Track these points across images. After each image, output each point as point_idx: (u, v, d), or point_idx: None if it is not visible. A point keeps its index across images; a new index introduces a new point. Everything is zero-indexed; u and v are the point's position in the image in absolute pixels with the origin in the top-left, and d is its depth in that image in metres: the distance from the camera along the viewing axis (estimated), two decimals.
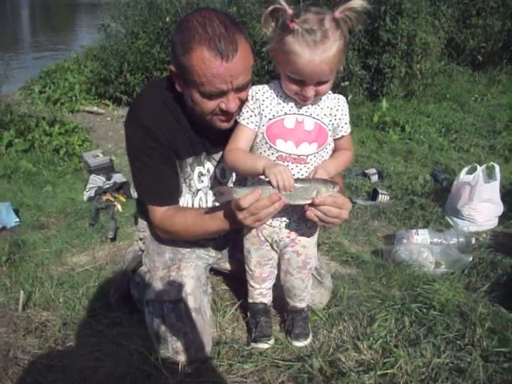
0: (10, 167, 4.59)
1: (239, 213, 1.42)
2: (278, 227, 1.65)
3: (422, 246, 2.56)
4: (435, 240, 2.65)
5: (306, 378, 1.66)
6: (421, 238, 2.67)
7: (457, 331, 1.84)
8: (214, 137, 1.70)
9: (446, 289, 2.11)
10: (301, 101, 1.47)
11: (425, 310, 1.96)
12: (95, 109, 8.12)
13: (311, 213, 1.46)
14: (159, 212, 1.71)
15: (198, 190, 1.82)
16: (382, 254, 2.63)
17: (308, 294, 1.88)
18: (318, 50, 1.33)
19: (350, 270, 2.47)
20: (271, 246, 1.71)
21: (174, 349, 1.73)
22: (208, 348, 1.77)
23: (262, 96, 1.53)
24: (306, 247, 1.71)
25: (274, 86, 1.54)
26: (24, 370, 1.77)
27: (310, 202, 1.43)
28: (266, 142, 1.52)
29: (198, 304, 1.80)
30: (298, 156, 1.50)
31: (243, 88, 1.50)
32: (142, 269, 2.02)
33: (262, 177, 1.46)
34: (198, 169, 1.78)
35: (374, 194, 3.42)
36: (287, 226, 1.65)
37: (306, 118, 1.49)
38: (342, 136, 1.58)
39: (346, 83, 5.24)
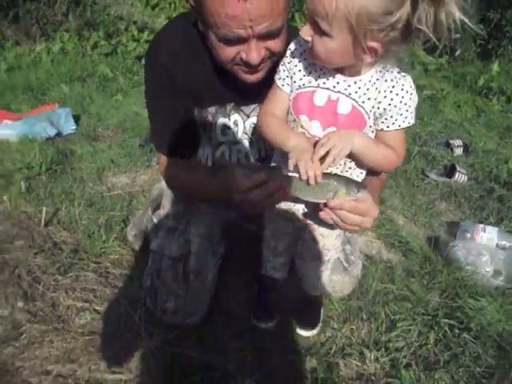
0: (88, 70, 4.58)
1: (235, 194, 1.19)
2: (292, 205, 1.39)
3: (484, 247, 2.18)
4: (503, 243, 2.24)
5: (293, 375, 1.47)
6: (486, 236, 2.27)
7: (487, 367, 1.54)
8: (246, 87, 1.41)
9: (493, 309, 1.77)
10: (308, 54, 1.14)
11: (457, 331, 1.66)
12: None
13: (326, 214, 1.19)
14: (166, 162, 1.52)
15: (221, 143, 1.58)
16: (436, 244, 2.28)
17: (323, 284, 1.64)
18: None
19: (392, 257, 2.17)
20: (289, 220, 1.45)
21: (162, 308, 1.60)
22: (199, 315, 1.63)
23: (299, 55, 1.19)
24: (325, 237, 1.44)
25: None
26: (19, 292, 1.76)
27: (323, 201, 1.16)
28: (291, 113, 1.23)
29: (200, 266, 1.64)
30: None
31: (271, 36, 1.17)
32: (161, 211, 1.87)
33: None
34: (222, 120, 1.53)
35: (450, 171, 2.98)
36: (302, 206, 1.37)
37: (342, 98, 1.14)
38: (386, 130, 1.17)
39: (457, 35, 4.52)
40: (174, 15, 7.89)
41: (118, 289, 1.79)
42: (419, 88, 4.36)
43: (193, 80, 1.41)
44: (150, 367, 1.49)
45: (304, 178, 1.09)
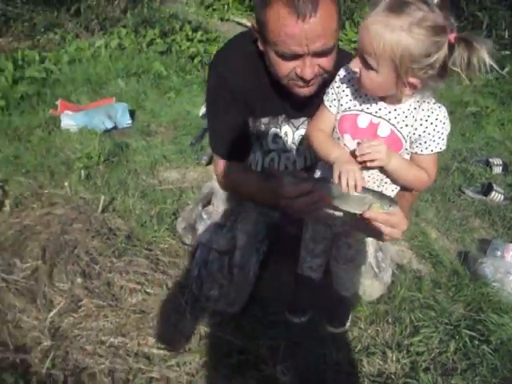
0: (143, 67, 4.81)
1: (282, 199, 1.36)
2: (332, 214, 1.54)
3: None
4: None
5: (320, 366, 1.62)
6: None
7: (503, 379, 1.64)
8: (297, 101, 1.59)
9: None
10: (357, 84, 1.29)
11: (477, 342, 1.77)
12: (244, 21, 8.06)
13: (358, 223, 1.35)
14: (221, 164, 1.71)
15: (271, 151, 1.75)
16: (466, 259, 2.37)
17: (354, 286, 1.79)
18: None
19: (422, 268, 2.28)
20: (327, 226, 1.61)
21: (205, 295, 1.78)
22: (239, 305, 1.79)
23: (347, 82, 1.35)
24: (359, 243, 1.60)
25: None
26: (78, 270, 1.97)
27: (359, 213, 1.29)
28: (336, 131, 1.38)
29: (244, 261, 1.81)
30: None
31: (324, 54, 1.34)
32: (210, 208, 2.05)
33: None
34: (273, 130, 1.70)
35: (487, 189, 3.04)
36: (342, 217, 1.52)
37: (383, 122, 1.29)
38: (419, 153, 1.30)
39: (507, 52, 4.53)
40: (227, 17, 8.14)
41: (167, 275, 1.97)
42: (464, 104, 4.40)
43: (250, 93, 1.58)
44: (192, 346, 1.67)
45: (344, 186, 1.24)
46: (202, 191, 2.29)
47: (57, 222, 2.28)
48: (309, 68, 1.35)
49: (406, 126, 1.28)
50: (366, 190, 1.28)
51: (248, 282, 1.81)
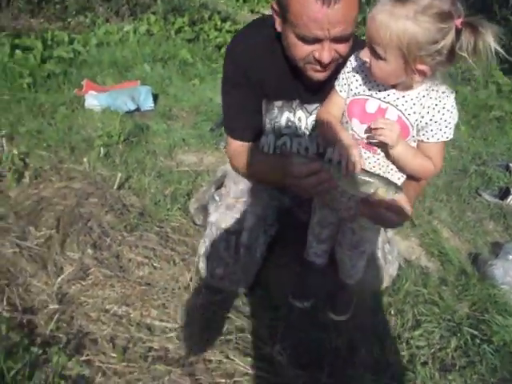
0: (170, 53, 4.87)
1: (290, 178, 1.38)
2: (339, 200, 1.55)
3: None
4: None
5: (318, 350, 1.64)
6: None
7: (502, 379, 1.63)
8: (311, 86, 1.60)
9: None
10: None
11: (478, 341, 1.75)
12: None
13: (364, 208, 1.36)
14: (233, 145, 1.73)
15: (284, 135, 1.77)
16: (476, 260, 2.35)
17: (357, 274, 1.79)
18: None
19: (430, 265, 2.26)
20: (334, 211, 1.62)
21: (211, 272, 1.81)
22: (244, 285, 1.82)
23: (358, 67, 1.36)
24: (364, 229, 1.60)
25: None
26: (90, 241, 2.02)
27: (364, 196, 1.31)
28: (345, 115, 1.40)
29: (252, 241, 1.83)
30: (370, 143, 1.35)
31: (342, 40, 1.35)
32: (222, 190, 2.08)
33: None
34: (287, 114, 1.71)
35: (504, 193, 2.99)
36: (347, 201, 1.53)
37: (391, 108, 1.29)
38: (425, 141, 1.31)
39: None
40: (257, 9, 8.16)
41: (175, 251, 2.01)
42: (488, 108, 4.33)
43: (265, 75, 1.60)
44: (193, 320, 1.70)
45: (344, 167, 1.26)
46: (216, 174, 2.33)
47: (73, 196, 2.34)
48: (327, 52, 1.36)
49: (414, 113, 1.28)
50: (372, 174, 1.29)
51: (254, 263, 1.83)
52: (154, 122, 3.38)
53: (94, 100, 3.47)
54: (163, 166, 2.79)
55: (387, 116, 1.30)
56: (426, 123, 1.27)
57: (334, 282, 1.85)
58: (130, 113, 3.48)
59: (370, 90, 1.33)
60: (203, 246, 1.86)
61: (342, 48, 1.38)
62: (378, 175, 1.30)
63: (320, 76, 1.47)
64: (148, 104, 3.63)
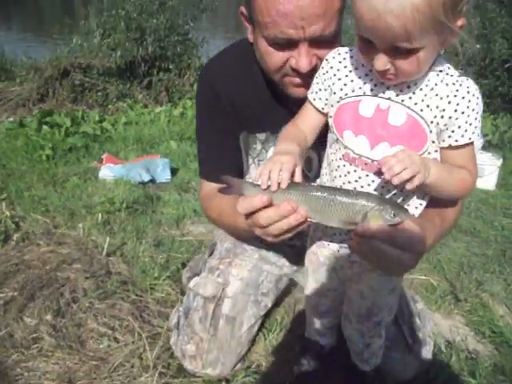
0: None
1: (245, 220, 0.99)
2: (336, 251, 1.17)
3: None
4: None
5: None
6: None
7: None
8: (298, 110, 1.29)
9: None
10: (381, 77, 0.93)
11: None
12: None
13: (355, 244, 0.94)
14: (206, 188, 1.40)
15: None
16: None
17: (374, 357, 1.35)
18: None
19: (481, 348, 1.76)
20: (332, 271, 1.22)
21: (181, 350, 1.43)
22: (222, 368, 1.42)
23: (338, 64, 1.04)
24: (375, 291, 1.19)
25: (357, 52, 1.02)
26: (54, 307, 1.72)
27: (351, 228, 0.91)
28: (332, 131, 1.05)
29: (235, 312, 1.46)
30: (372, 161, 0.98)
31: (323, 42, 1.05)
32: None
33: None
34: (273, 150, 1.40)
35: None
36: (349, 254, 1.14)
37: (394, 106, 0.96)
38: (454, 145, 0.97)
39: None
40: None
41: (148, 324, 1.66)
42: None
43: (244, 100, 1.32)
44: None
45: (264, 182, 0.91)
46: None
47: (56, 260, 2.11)
48: (305, 57, 1.06)
49: (428, 106, 0.94)
50: (344, 192, 0.92)
51: (237, 340, 1.44)
52: (167, 193, 3.16)
53: (108, 171, 3.34)
54: (166, 235, 2.52)
55: (391, 118, 0.95)
56: (450, 117, 0.94)
57: (344, 368, 1.41)
58: (144, 184, 3.30)
59: (360, 87, 1.00)
60: (175, 317, 1.50)
61: (325, 53, 1.08)
62: (365, 193, 0.92)
63: (300, 92, 1.16)
64: (165, 176, 3.46)
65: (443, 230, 1.12)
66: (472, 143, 0.97)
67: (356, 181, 1.01)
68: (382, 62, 0.87)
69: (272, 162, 0.92)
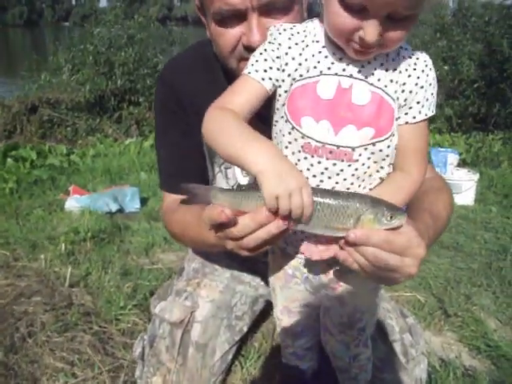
0: None
1: (214, 232, 0.83)
2: (306, 261, 1.01)
3: None
4: None
5: None
6: None
7: None
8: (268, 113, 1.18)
9: None
10: (354, 52, 0.82)
11: None
12: None
13: (345, 255, 0.81)
14: (167, 200, 1.26)
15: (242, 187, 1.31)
16: None
17: (364, 371, 1.20)
18: None
19: (476, 364, 1.64)
20: (305, 283, 1.06)
21: (147, 383, 1.25)
22: None
23: (289, 40, 0.88)
24: (356, 294, 1.03)
25: (312, 26, 0.90)
26: (7, 343, 1.54)
27: (341, 234, 0.79)
28: (287, 120, 0.88)
29: (207, 339, 1.30)
30: (338, 147, 0.85)
31: (276, 11, 0.95)
32: None
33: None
34: None
35: None
36: (322, 264, 0.99)
37: (357, 84, 0.85)
38: (411, 122, 0.88)
39: None
40: None
41: (110, 357, 1.49)
42: None
43: (205, 102, 1.20)
44: None
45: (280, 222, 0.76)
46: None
47: (13, 293, 1.95)
48: (256, 30, 0.95)
49: (391, 81, 0.85)
50: (332, 194, 0.79)
51: (209, 369, 1.27)
52: (136, 223, 3.01)
53: (74, 202, 3.18)
54: (134, 264, 2.37)
55: (355, 97, 0.84)
56: (411, 91, 0.86)
57: None
58: (112, 214, 3.14)
59: (316, 66, 0.86)
60: (139, 346, 1.33)
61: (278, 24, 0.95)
62: (357, 195, 0.81)
63: None
64: (134, 205, 3.32)
65: (437, 230, 1.00)
66: (426, 121, 0.90)
67: (322, 173, 0.87)
68: (375, 31, 0.75)
69: (286, 191, 0.74)
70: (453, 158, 3.91)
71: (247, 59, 0.97)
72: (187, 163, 1.24)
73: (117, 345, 1.57)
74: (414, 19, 0.77)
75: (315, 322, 1.16)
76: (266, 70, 0.88)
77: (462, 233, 2.95)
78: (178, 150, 1.23)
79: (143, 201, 3.44)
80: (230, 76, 1.09)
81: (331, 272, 1.00)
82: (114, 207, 3.18)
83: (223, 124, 0.84)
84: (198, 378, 1.25)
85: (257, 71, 0.88)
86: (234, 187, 1.19)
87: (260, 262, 1.38)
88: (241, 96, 0.88)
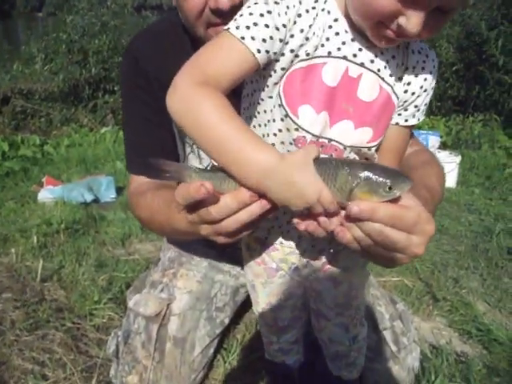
0: None
1: (187, 214, 0.72)
2: (294, 249, 0.93)
3: None
4: None
5: None
6: None
7: None
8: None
9: None
10: (381, 39, 0.70)
11: None
12: None
13: (343, 233, 0.68)
14: (134, 183, 1.14)
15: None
16: None
17: (362, 355, 1.13)
18: None
19: (468, 349, 1.59)
20: (290, 276, 0.98)
21: (122, 382, 1.17)
22: None
23: (299, 4, 0.71)
24: (350, 270, 0.95)
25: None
26: None
27: (333, 209, 0.66)
28: (281, 105, 0.75)
29: (185, 333, 1.22)
30: (329, 141, 0.76)
31: None
32: None
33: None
34: None
35: None
36: (313, 248, 0.91)
37: (367, 75, 0.75)
38: (401, 125, 0.82)
39: None
40: None
41: (84, 355, 1.39)
42: (501, 167, 3.82)
43: (173, 76, 1.10)
44: None
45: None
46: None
47: None
48: None
49: (400, 78, 0.77)
50: (336, 161, 0.67)
51: (188, 365, 1.20)
52: (112, 213, 2.88)
53: (47, 193, 3.05)
54: (109, 255, 2.26)
55: (361, 90, 0.74)
56: (413, 93, 0.79)
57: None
58: (86, 204, 3.01)
59: (324, 45, 0.73)
60: (113, 343, 1.24)
61: None
62: (351, 161, 0.69)
63: None
64: (109, 195, 3.20)
65: (435, 204, 0.93)
66: (411, 128, 0.85)
67: None
68: (421, 23, 0.64)
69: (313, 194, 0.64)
70: (434, 140, 3.88)
71: (216, 24, 0.89)
72: (155, 142, 1.13)
73: (90, 342, 1.47)
74: (455, 12, 0.68)
75: (300, 312, 1.09)
76: (265, 40, 0.68)
77: (446, 215, 2.90)
78: (145, 127, 1.12)
79: (119, 190, 3.31)
80: (199, 45, 0.99)
81: (323, 256, 0.92)
82: (88, 197, 3.06)
83: (216, 110, 0.66)
84: (178, 375, 1.17)
85: (253, 39, 0.68)
86: (208, 168, 1.08)
87: (238, 249, 1.30)
88: (225, 67, 0.69)
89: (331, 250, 0.90)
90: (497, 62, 4.97)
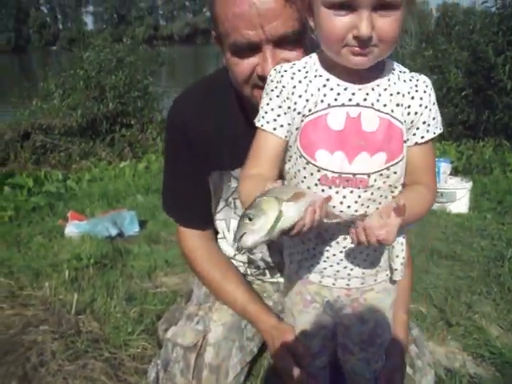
0: None
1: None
2: (331, 284, 1.05)
3: None
4: None
5: None
6: None
7: None
8: None
9: None
10: (352, 57, 0.84)
11: None
12: None
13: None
14: (184, 233, 1.35)
15: None
16: None
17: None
18: None
19: (482, 372, 1.67)
20: (326, 306, 1.10)
21: None
22: None
23: (292, 80, 0.93)
24: (377, 310, 1.08)
25: (312, 62, 0.95)
26: (19, 373, 1.56)
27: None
28: (301, 156, 0.91)
29: (220, 361, 1.32)
30: (354, 176, 0.90)
31: (286, 42, 1.00)
32: None
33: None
34: None
35: None
36: (345, 281, 1.04)
37: (365, 111, 0.89)
38: (420, 142, 0.94)
39: None
40: None
41: (123, 382, 1.51)
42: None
43: (215, 136, 1.24)
44: None
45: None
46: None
47: (21, 323, 1.96)
48: (270, 61, 1.00)
49: (397, 105, 0.90)
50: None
51: None
52: (137, 246, 3.03)
53: (74, 228, 3.19)
54: (138, 288, 2.38)
55: (365, 124, 0.89)
56: (416, 113, 0.91)
57: None
58: (111, 238, 3.15)
59: (323, 100, 0.90)
60: (153, 371, 1.35)
61: (291, 55, 1.02)
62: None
63: None
64: (133, 229, 3.33)
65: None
66: (432, 141, 0.96)
67: (341, 203, 0.91)
68: (367, 22, 0.79)
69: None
70: (445, 167, 3.98)
71: (261, 87, 1.03)
72: (193, 199, 1.32)
73: (128, 370, 1.59)
74: (398, 8, 0.80)
75: (330, 342, 1.19)
76: (275, 120, 0.93)
77: (458, 241, 2.99)
78: (184, 186, 1.31)
79: (142, 224, 3.45)
80: (245, 101, 1.15)
81: (353, 291, 1.04)
82: (113, 231, 3.19)
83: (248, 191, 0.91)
84: None
85: (268, 122, 0.94)
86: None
87: (267, 283, 1.42)
88: (263, 156, 0.97)
89: (362, 287, 1.03)
90: (505, 87, 5.10)
